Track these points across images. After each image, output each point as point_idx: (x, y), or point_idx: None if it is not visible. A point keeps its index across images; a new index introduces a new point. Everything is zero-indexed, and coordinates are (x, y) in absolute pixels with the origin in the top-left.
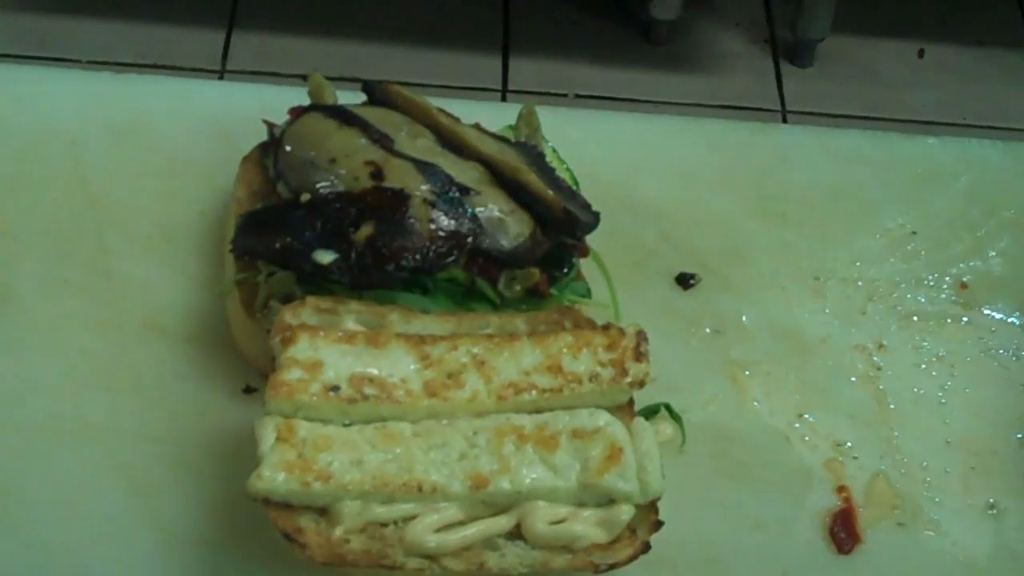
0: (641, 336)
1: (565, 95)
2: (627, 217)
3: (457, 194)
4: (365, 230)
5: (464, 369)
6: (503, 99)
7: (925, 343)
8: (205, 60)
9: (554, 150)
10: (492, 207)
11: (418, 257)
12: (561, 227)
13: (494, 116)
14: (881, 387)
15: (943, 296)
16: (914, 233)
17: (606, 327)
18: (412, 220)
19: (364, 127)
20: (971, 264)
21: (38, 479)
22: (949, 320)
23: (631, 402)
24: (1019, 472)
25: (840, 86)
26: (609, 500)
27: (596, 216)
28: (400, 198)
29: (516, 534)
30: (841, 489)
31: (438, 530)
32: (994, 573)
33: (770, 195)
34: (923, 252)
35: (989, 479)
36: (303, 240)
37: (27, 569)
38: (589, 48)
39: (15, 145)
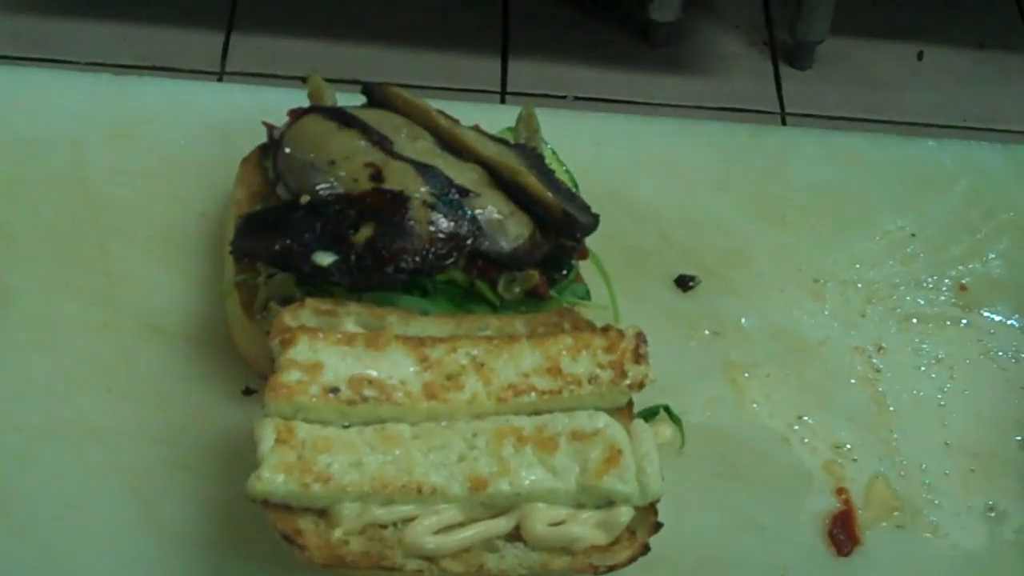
0: (640, 338)
1: (564, 97)
2: (626, 219)
3: (456, 196)
4: (364, 232)
5: (463, 371)
6: (502, 101)
7: (924, 345)
8: (204, 62)
9: (553, 152)
10: (491, 209)
11: (417, 259)
12: (560, 229)
13: (493, 118)
14: (880, 389)
15: (942, 298)
16: (913, 235)
17: (605, 329)
18: (411, 222)
19: (364, 129)
20: (970, 266)
21: (38, 480)
22: (948, 322)
23: (630, 404)
24: (1018, 474)
25: (839, 88)
26: (608, 502)
27: (595, 218)
28: (399, 200)
29: (515, 536)
30: (840, 491)
31: (437, 532)
32: (994, 575)
33: (769, 197)
34: (922, 254)
35: (988, 481)
36: (302, 242)
37: (27, 569)
38: (588, 50)
39: (15, 147)
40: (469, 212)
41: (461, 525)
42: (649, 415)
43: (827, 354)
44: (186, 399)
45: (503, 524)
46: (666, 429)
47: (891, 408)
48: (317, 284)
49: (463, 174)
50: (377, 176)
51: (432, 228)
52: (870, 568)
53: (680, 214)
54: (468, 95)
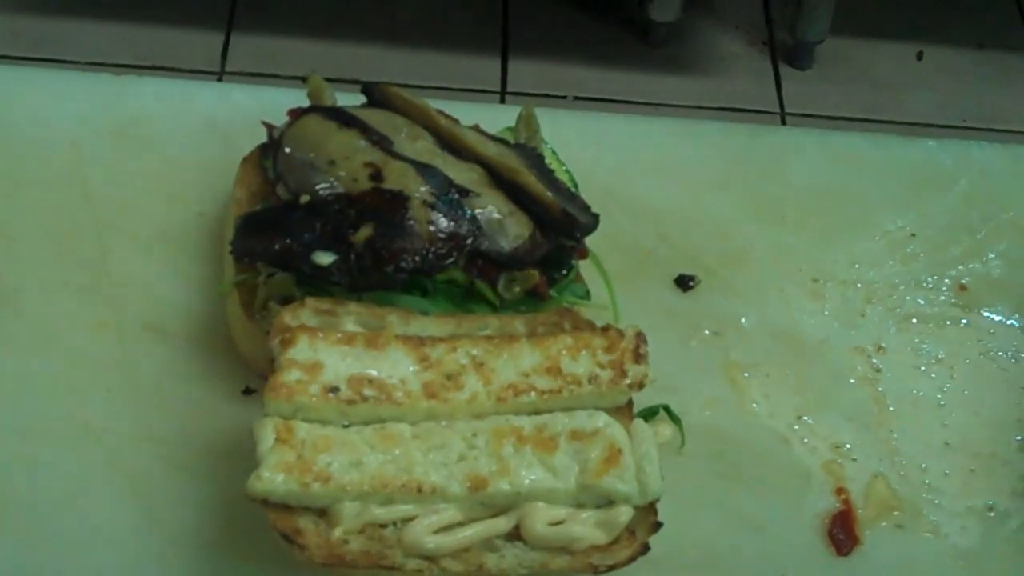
0: (640, 338)
1: (564, 97)
2: (626, 219)
3: (456, 196)
4: (364, 232)
5: (463, 371)
6: (502, 101)
7: (924, 345)
8: (204, 62)
9: (553, 152)
10: (491, 209)
11: (417, 259)
12: (560, 229)
13: (493, 118)
14: (880, 389)
15: (942, 298)
16: (913, 235)
17: (605, 329)
18: (411, 222)
19: (363, 129)
20: (970, 266)
21: (37, 480)
22: (948, 322)
23: (630, 403)
24: (1018, 474)
25: (839, 88)
26: (608, 501)
27: (595, 218)
28: (399, 200)
29: (515, 535)
30: (840, 491)
31: (437, 531)
32: (993, 575)
33: (769, 197)
34: (922, 254)
35: (988, 481)
36: (302, 242)
37: (27, 569)
38: (588, 50)
39: (14, 146)
40: (469, 212)
41: (461, 525)
42: (649, 415)
43: (827, 354)
44: (186, 399)
45: (503, 524)
46: (666, 429)
47: (891, 408)
48: (317, 284)
49: (463, 174)
50: (377, 176)
51: (432, 228)
52: (870, 568)
53: (680, 214)
54: (468, 95)
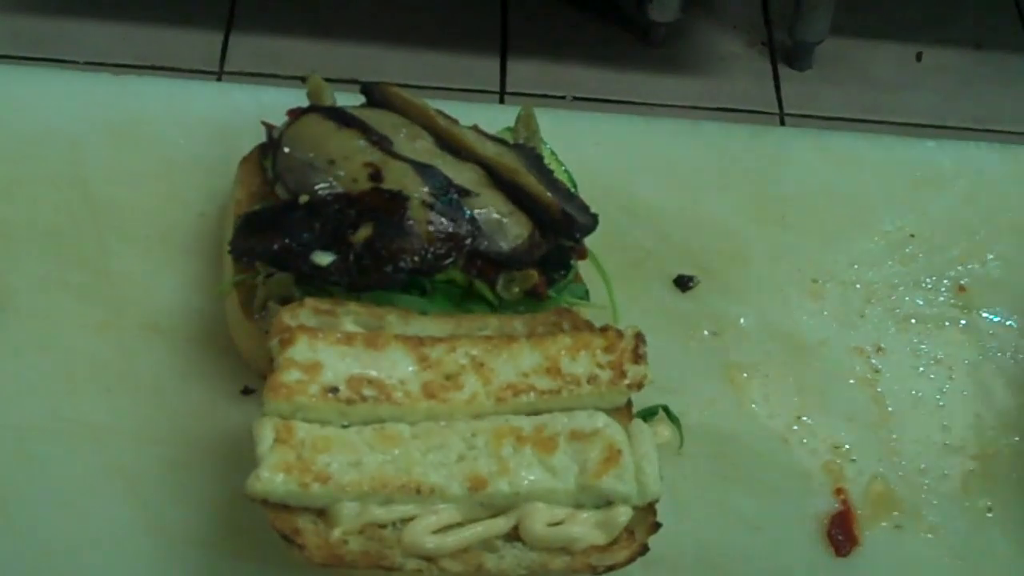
0: (639, 338)
1: (563, 97)
2: (625, 219)
3: (456, 196)
4: (364, 232)
5: (462, 371)
6: (501, 101)
7: (923, 346)
8: (203, 61)
9: (552, 152)
10: (490, 209)
11: (416, 259)
12: (559, 229)
13: (492, 118)
14: (879, 389)
15: (941, 299)
16: (912, 236)
17: (604, 329)
18: (411, 222)
19: (363, 129)
20: (969, 267)
21: (36, 480)
22: (947, 323)
23: (629, 404)
24: (1018, 475)
25: (838, 89)
26: (607, 502)
27: (594, 218)
28: (399, 200)
29: (514, 536)
30: (839, 491)
31: (436, 531)
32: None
33: (768, 197)
34: (921, 255)
35: (987, 482)
36: (301, 241)
37: (26, 570)
38: (587, 50)
39: (14, 146)
40: (468, 212)
41: (460, 525)
42: (648, 415)
43: (826, 354)
44: (185, 398)
45: (502, 524)
46: (665, 429)
47: (890, 408)
48: (316, 284)
49: (462, 174)
50: (376, 176)
51: (431, 228)
52: (869, 568)
53: (679, 214)
54: (467, 95)
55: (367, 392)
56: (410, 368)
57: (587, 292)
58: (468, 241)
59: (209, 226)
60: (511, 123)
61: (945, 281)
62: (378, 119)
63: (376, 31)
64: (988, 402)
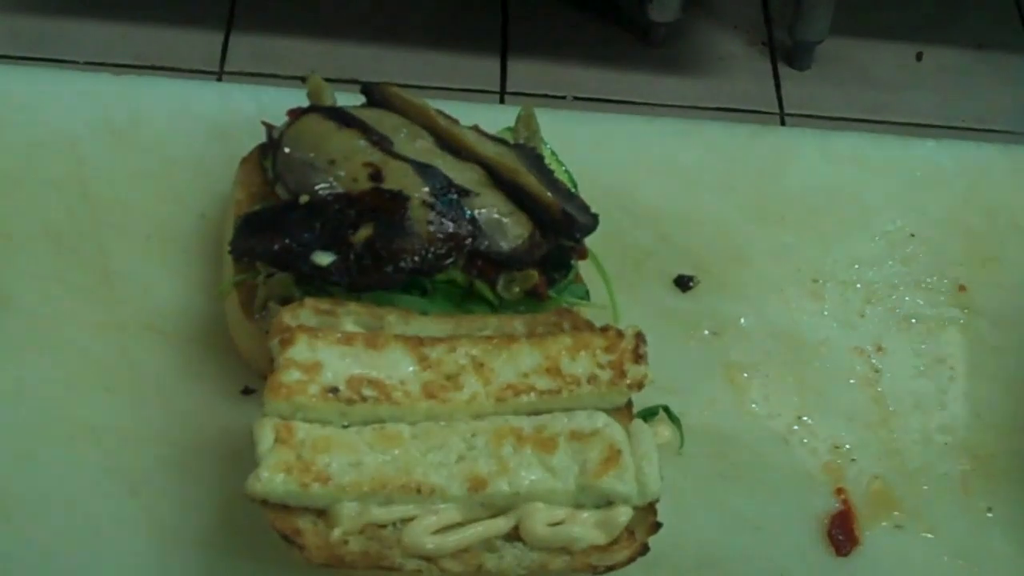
0: (640, 338)
1: (563, 97)
2: (626, 219)
3: (456, 196)
4: (364, 232)
5: (463, 371)
6: (501, 101)
7: (924, 345)
8: (203, 61)
9: (552, 152)
10: (491, 209)
11: (417, 259)
12: (560, 229)
13: (492, 118)
14: (880, 389)
15: (942, 299)
16: (912, 235)
17: (605, 329)
18: (411, 222)
19: (363, 129)
20: (969, 267)
21: (36, 480)
22: (947, 323)
23: (629, 404)
24: (1018, 475)
25: (838, 89)
26: (607, 502)
27: (595, 218)
28: (399, 200)
29: (514, 536)
30: (839, 491)
31: (436, 532)
32: None
33: (768, 197)
34: (921, 255)
35: (987, 482)
36: (302, 241)
37: (25, 568)
38: (587, 50)
39: (13, 146)
40: (468, 212)
41: (460, 525)
42: (648, 415)
43: (826, 354)
44: (185, 399)
45: (502, 524)
46: (665, 429)
47: (890, 408)
48: (316, 284)
49: (462, 174)
50: (376, 176)
51: (431, 228)
52: (869, 568)
53: (679, 214)
54: (467, 95)
55: (367, 392)
56: (410, 368)
57: (587, 292)
58: (468, 241)
59: (209, 226)
60: (511, 123)
61: (945, 281)
62: (378, 119)
63: (376, 31)
64: (988, 402)
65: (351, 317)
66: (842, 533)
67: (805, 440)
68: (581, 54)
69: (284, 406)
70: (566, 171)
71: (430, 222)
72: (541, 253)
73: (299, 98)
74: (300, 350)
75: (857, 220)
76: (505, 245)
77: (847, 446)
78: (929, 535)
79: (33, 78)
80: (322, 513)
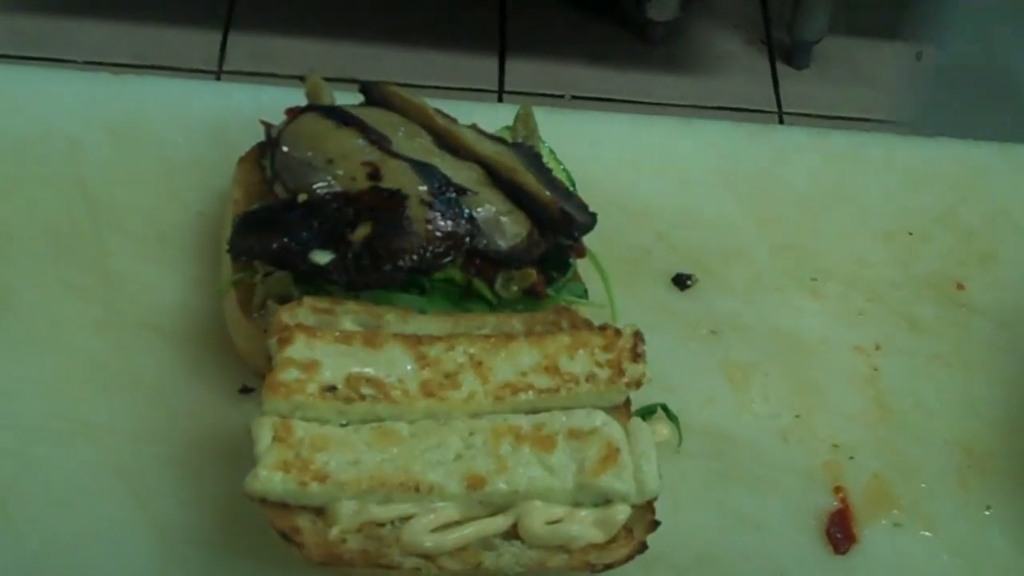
0: (638, 337)
1: (562, 96)
2: (624, 218)
3: (454, 195)
4: (362, 231)
5: (461, 369)
6: (500, 100)
7: (922, 344)
8: (202, 61)
9: (551, 151)
10: (489, 208)
11: (415, 257)
12: (558, 228)
13: (491, 117)
14: (879, 388)
15: (941, 298)
16: (911, 234)
17: (603, 328)
18: (409, 221)
19: (361, 128)
20: (968, 265)
21: (34, 479)
22: (946, 321)
23: (628, 402)
24: (1016, 473)
25: (837, 87)
26: (606, 500)
27: (593, 217)
28: (397, 199)
29: (513, 534)
30: (838, 489)
31: (435, 530)
32: (990, 574)
33: (767, 196)
34: (920, 253)
35: (986, 480)
36: (300, 240)
37: (24, 569)
38: (586, 49)
39: (12, 145)
40: (467, 211)
41: (458, 523)
42: (647, 413)
43: (825, 353)
44: (183, 397)
45: (501, 522)
46: (663, 427)
47: (889, 407)
48: (315, 282)
49: (461, 173)
50: (375, 175)
51: (430, 227)
52: (867, 566)
53: (677, 213)
54: (466, 94)
55: (365, 391)
56: (408, 367)
57: (586, 291)
58: (467, 240)
59: (208, 225)
60: (510, 122)
61: (945, 280)
62: (377, 118)
63: (375, 30)
64: (987, 400)
65: (349, 316)
66: (840, 531)
67: (804, 438)
68: (579, 53)
69: (282, 405)
70: (564, 170)
71: (428, 221)
72: (539, 252)
73: (298, 97)
74: (298, 349)
75: (855, 218)
76: (503, 244)
77: (846, 444)
78: (928, 533)
79: (32, 77)
80: (321, 511)
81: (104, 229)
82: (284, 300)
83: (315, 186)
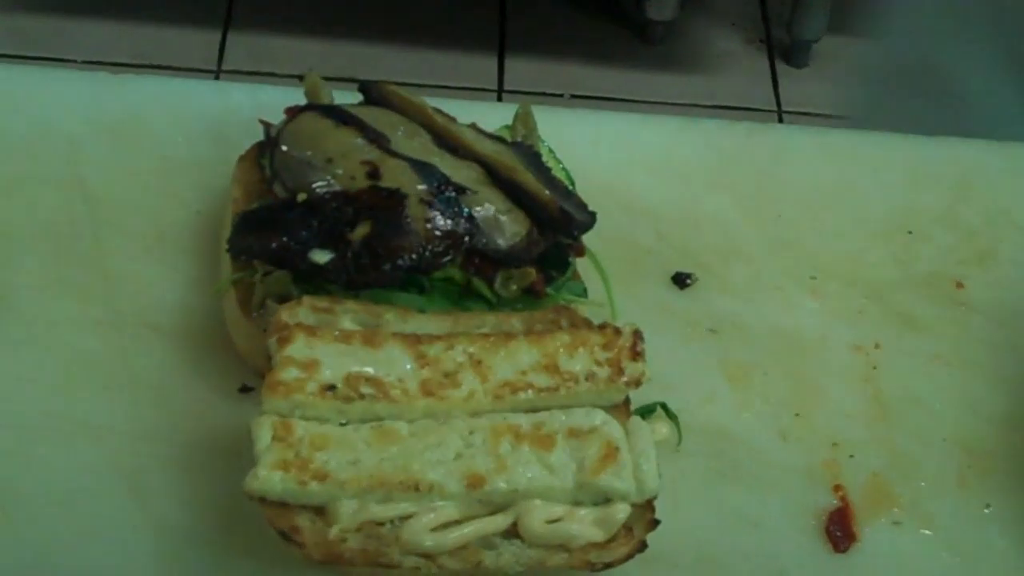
0: (637, 335)
1: (561, 95)
2: (623, 217)
3: (453, 194)
4: (361, 230)
5: (460, 368)
6: (499, 99)
7: (921, 342)
8: (201, 60)
9: (550, 150)
10: (488, 207)
11: (414, 256)
12: (557, 226)
13: (490, 116)
14: (878, 386)
15: (940, 297)
16: (910, 233)
17: (602, 326)
18: (408, 220)
19: (361, 127)
20: (967, 264)
21: (34, 478)
22: (945, 319)
23: (627, 401)
24: (1016, 471)
25: (836, 86)
26: (605, 499)
27: (592, 216)
28: (396, 198)
29: (513, 533)
30: (837, 488)
31: (435, 529)
32: (990, 572)
33: (766, 195)
34: (919, 252)
35: (985, 478)
36: (299, 239)
37: (23, 569)
38: (585, 48)
39: (11, 145)
40: (466, 210)
41: (458, 522)
42: (646, 412)
43: (825, 352)
44: (183, 397)
45: (500, 521)
46: (663, 426)
47: (889, 405)
48: (314, 282)
49: (460, 172)
50: (374, 174)
51: (429, 226)
52: (867, 565)
53: (677, 212)
54: (465, 93)
55: (365, 390)
56: (408, 366)
57: (585, 290)
58: (466, 239)
59: (207, 224)
60: (509, 121)
61: (944, 279)
62: (376, 117)
63: (374, 30)
64: (986, 399)
65: (349, 315)
66: (840, 530)
67: (803, 437)
68: (578, 52)
69: (282, 404)
70: (563, 169)
71: (428, 220)
72: (539, 251)
73: (297, 96)
74: (298, 348)
75: (855, 217)
76: (503, 243)
77: (845, 443)
78: (927, 531)
79: (31, 77)
80: (320, 511)
81: (104, 229)
82: (284, 299)
83: (314, 185)
